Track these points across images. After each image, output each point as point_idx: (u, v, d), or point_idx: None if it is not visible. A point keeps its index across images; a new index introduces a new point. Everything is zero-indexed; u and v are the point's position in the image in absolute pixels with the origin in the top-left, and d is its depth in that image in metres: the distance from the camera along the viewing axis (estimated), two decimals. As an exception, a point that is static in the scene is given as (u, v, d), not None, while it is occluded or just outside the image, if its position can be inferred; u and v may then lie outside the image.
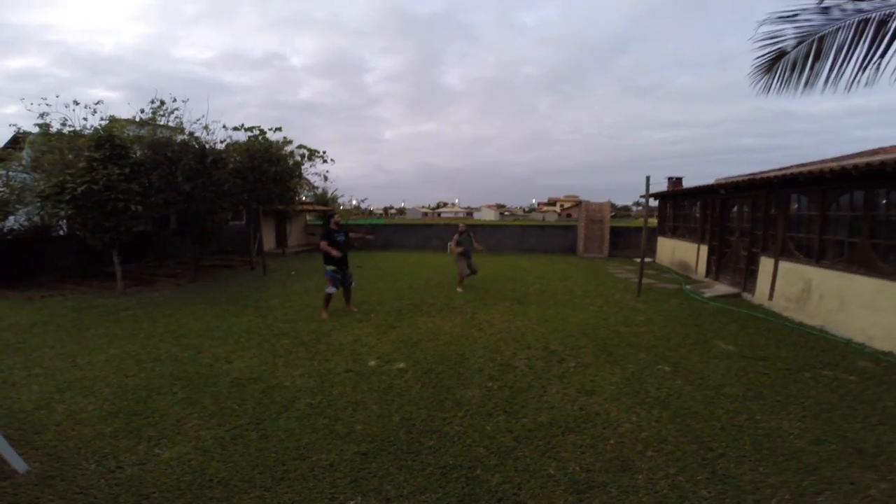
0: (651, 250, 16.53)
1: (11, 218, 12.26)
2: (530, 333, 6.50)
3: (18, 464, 3.06)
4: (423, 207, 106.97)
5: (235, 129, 11.98)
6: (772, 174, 8.58)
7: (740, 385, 4.67)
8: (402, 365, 5.20)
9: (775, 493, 2.88)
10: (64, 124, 11.41)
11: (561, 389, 4.51)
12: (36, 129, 11.43)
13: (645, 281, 10.42)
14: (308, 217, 23.53)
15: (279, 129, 12.38)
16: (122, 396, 4.30)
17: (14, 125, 12.53)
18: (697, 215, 12.49)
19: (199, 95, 44.43)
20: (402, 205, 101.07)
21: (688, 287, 10.56)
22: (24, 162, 12.00)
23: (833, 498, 2.84)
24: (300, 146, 13.13)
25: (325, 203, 26.94)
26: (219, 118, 27.45)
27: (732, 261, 10.35)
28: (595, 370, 5.07)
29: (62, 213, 9.44)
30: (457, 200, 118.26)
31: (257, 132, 11.95)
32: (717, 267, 11.06)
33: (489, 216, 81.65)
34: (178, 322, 7.30)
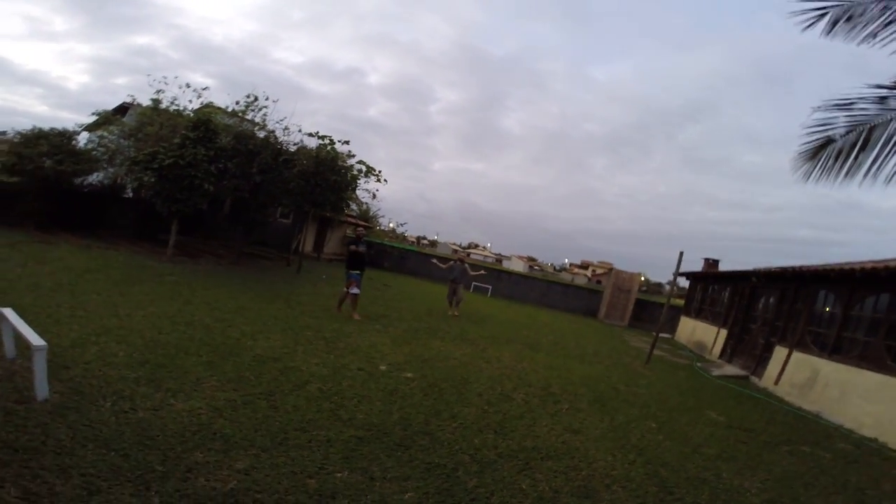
0: (672, 328, 16.35)
1: (95, 175, 13.53)
2: (534, 375, 6.69)
3: (42, 390, 3.27)
4: (453, 244, 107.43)
5: (310, 134, 12.97)
6: (804, 268, 8.72)
7: (718, 447, 4.95)
8: (409, 374, 5.51)
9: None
10: (173, 102, 12.77)
11: (550, 424, 4.72)
12: (149, 102, 12.80)
13: (658, 353, 10.44)
14: (348, 230, 24.49)
15: (347, 142, 13.27)
16: (151, 350, 4.65)
17: (131, 95, 14.00)
18: (725, 300, 12.46)
19: (282, 96, 47.29)
20: (435, 237, 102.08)
21: (699, 364, 10.60)
22: (124, 128, 13.25)
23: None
24: (360, 161, 13.94)
25: (367, 220, 27.96)
26: (297, 122, 28.82)
27: (749, 346, 10.38)
28: (586, 415, 5.27)
29: (146, 178, 10.48)
30: (489, 244, 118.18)
31: (328, 141, 12.86)
32: (732, 350, 11.05)
33: (518, 266, 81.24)
34: (215, 296, 7.88)
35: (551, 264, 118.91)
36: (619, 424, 5.16)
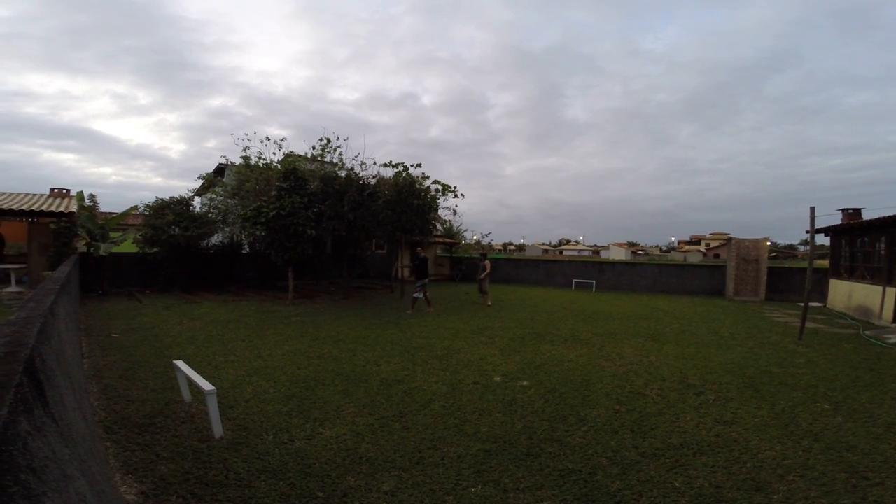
0: (821, 294, 14.10)
1: (216, 236, 15.54)
2: (665, 368, 6.19)
3: (217, 429, 3.80)
4: (543, 244, 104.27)
5: (385, 165, 13.63)
6: None
7: (920, 426, 4.14)
8: (525, 383, 5.42)
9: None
10: (259, 157, 14.29)
11: (696, 418, 4.33)
12: (240, 161, 14.48)
13: (811, 325, 9.06)
14: (438, 250, 25.10)
15: (419, 165, 13.67)
16: (295, 384, 5.22)
17: (224, 156, 16.00)
18: (883, 252, 10.46)
19: (351, 133, 50.70)
20: (522, 241, 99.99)
21: (867, 333, 8.93)
22: (227, 188, 15.04)
23: None
24: (435, 181, 14.22)
25: (453, 236, 28.41)
26: (369, 155, 30.30)
27: (933, 306, 8.47)
28: (738, 404, 4.75)
29: (258, 233, 11.74)
30: (582, 238, 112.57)
31: (401, 168, 13.39)
32: (910, 312, 9.11)
33: (619, 255, 76.35)
34: (336, 329, 8.57)
35: (657, 246, 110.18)
36: (782, 410, 4.59)
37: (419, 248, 11.92)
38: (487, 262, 13.58)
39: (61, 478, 1.04)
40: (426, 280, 11.46)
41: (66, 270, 6.41)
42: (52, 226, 12.55)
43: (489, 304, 12.85)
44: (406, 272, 21.03)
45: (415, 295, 11.21)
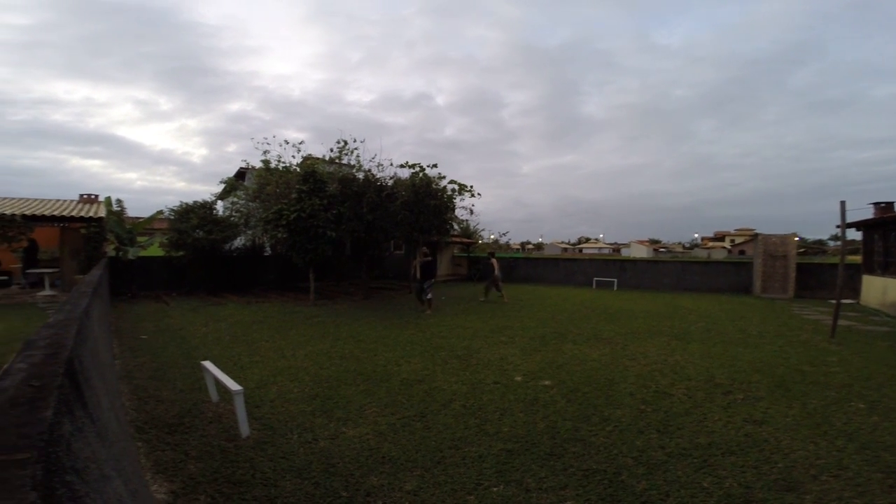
0: (854, 290, 13.60)
1: (238, 239, 15.84)
2: (691, 367, 6.07)
3: (244, 428, 3.88)
4: (561, 243, 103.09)
5: (401, 166, 13.68)
6: None
7: (963, 427, 3.98)
8: (547, 382, 5.38)
9: None
10: (279, 160, 14.49)
11: (724, 417, 4.25)
12: (259, 164, 14.72)
13: (843, 322, 8.73)
14: (455, 249, 25.06)
15: (435, 165, 13.68)
16: (318, 384, 5.28)
17: (244, 160, 16.31)
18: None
19: (367, 135, 51.05)
20: (540, 239, 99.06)
21: (905, 331, 8.51)
22: (248, 192, 15.30)
23: None
24: (451, 181, 14.18)
25: (469, 236, 28.30)
26: (385, 156, 30.08)
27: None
28: (768, 403, 4.64)
29: (279, 235, 11.93)
30: (601, 235, 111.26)
31: (418, 168, 13.42)
32: (953, 309, 8.69)
33: (640, 252, 74.87)
34: (357, 330, 8.65)
35: (679, 243, 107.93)
36: (813, 410, 4.48)
37: (424, 248, 12.08)
38: (495, 261, 13.89)
39: (100, 478, 1.06)
40: (432, 280, 11.60)
41: (98, 274, 6.62)
42: (82, 231, 12.99)
43: (482, 299, 13.48)
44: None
45: (428, 296, 11.33)
